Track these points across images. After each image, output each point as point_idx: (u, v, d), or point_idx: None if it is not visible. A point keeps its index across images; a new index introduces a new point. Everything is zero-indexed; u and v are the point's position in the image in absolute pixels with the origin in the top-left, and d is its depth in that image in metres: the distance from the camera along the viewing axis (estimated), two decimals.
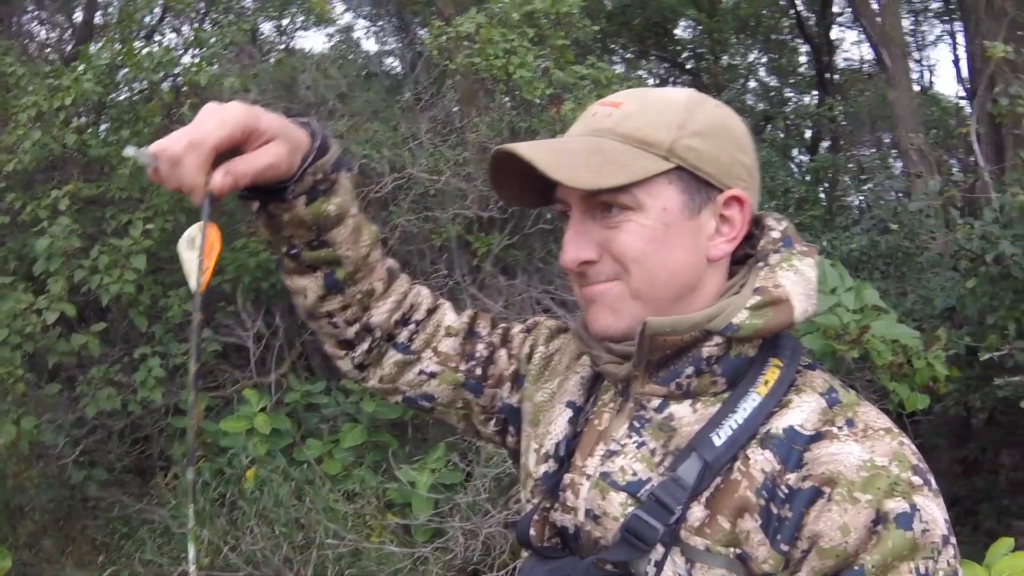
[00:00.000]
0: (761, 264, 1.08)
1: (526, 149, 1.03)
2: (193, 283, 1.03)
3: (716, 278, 1.10)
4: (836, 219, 8.17)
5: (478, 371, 1.33)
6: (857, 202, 9.96)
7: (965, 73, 11.16)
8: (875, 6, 8.99)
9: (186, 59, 6.05)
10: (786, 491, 0.96)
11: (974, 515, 6.16)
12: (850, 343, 3.28)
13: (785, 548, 0.95)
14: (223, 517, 4.89)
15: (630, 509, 1.03)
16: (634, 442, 1.08)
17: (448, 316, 1.37)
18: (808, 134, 14.34)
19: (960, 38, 12.54)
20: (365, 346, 1.31)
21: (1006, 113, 4.77)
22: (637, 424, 1.09)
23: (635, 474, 1.05)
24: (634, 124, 1.05)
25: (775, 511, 0.96)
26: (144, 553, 4.95)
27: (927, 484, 0.94)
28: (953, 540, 0.93)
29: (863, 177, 9.83)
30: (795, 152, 13.55)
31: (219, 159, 1.01)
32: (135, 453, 5.99)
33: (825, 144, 13.66)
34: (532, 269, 5.90)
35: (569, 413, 1.20)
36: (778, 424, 1.00)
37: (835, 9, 13.26)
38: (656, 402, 1.08)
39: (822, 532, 0.92)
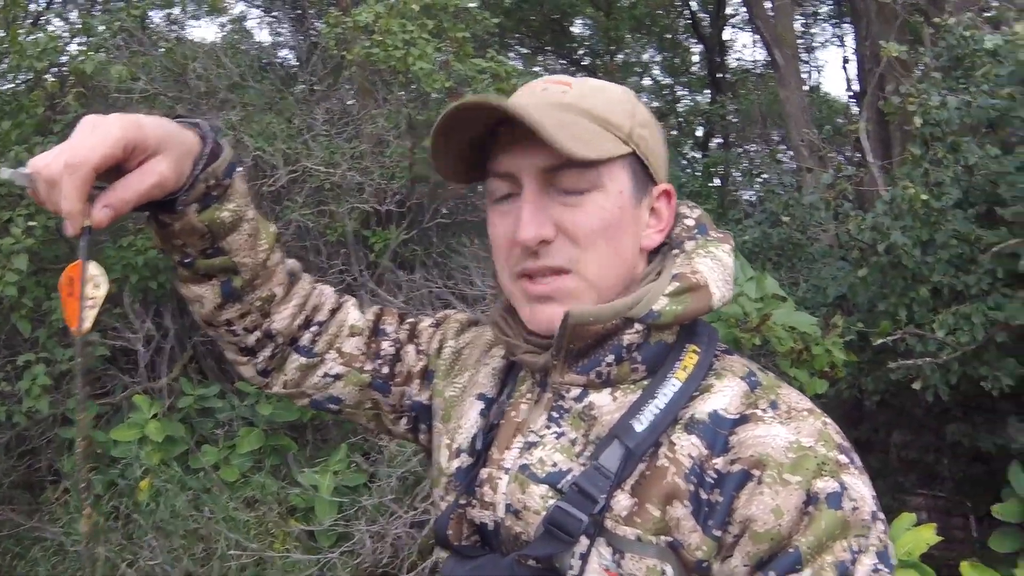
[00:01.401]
0: (676, 251, 1.08)
1: (520, 108, 0.95)
2: (74, 325, 0.94)
3: (642, 268, 1.10)
4: (728, 213, 8.35)
5: (384, 370, 1.29)
6: (748, 197, 10.23)
7: (854, 74, 11.57)
8: (769, 8, 9.23)
9: (72, 48, 5.76)
10: (714, 476, 0.94)
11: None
12: (752, 331, 3.31)
13: (717, 533, 0.93)
14: (118, 532, 4.64)
15: (551, 501, 0.99)
16: (553, 433, 1.05)
17: (352, 315, 1.31)
18: (700, 132, 14.67)
19: (849, 40, 13.02)
20: (267, 352, 1.26)
21: (896, 111, 4.90)
22: (556, 414, 1.06)
23: (555, 465, 1.02)
24: (594, 103, 1.04)
25: (704, 496, 0.94)
26: (38, 573, 4.66)
27: (852, 462, 0.94)
28: (881, 515, 0.93)
29: (755, 172, 10.08)
30: (687, 149, 13.86)
31: (101, 175, 0.94)
32: (22, 467, 5.58)
33: (717, 141, 14.00)
34: (431, 264, 5.79)
35: (480, 406, 1.17)
36: (702, 408, 0.99)
37: (728, 11, 13.60)
38: (575, 392, 1.05)
39: (755, 516, 0.91)
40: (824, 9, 14.41)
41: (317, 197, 5.73)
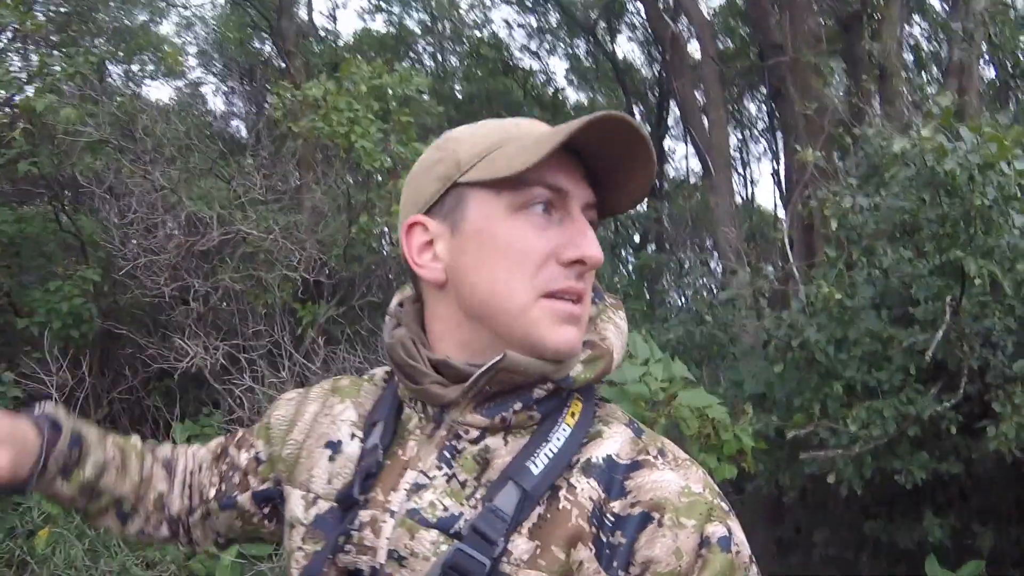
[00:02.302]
0: None
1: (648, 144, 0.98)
2: None
3: None
4: (656, 311, 8.51)
5: (223, 487, 1.25)
6: (677, 297, 10.44)
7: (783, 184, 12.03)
8: (705, 121, 9.64)
9: (30, 89, 5.75)
10: (612, 519, 0.94)
11: None
12: (659, 411, 3.35)
13: (621, 575, 0.93)
14: None
15: (443, 547, 0.95)
16: (444, 474, 1.00)
17: (199, 454, 1.33)
18: (637, 237, 15.03)
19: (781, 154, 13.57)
20: (182, 530, 1.30)
21: (813, 215, 5.10)
22: (448, 455, 1.01)
23: (446, 509, 0.97)
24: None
25: (605, 538, 0.93)
26: None
27: (731, 510, 0.98)
28: (753, 558, 0.96)
29: (683, 274, 10.34)
30: (624, 252, 14.17)
31: None
32: None
33: (651, 248, 14.35)
34: (357, 340, 5.74)
35: (329, 452, 1.10)
36: (596, 453, 0.98)
37: (670, 122, 14.15)
38: (474, 433, 1.01)
39: (657, 557, 0.91)
40: (761, 125, 15.06)
41: (250, 263, 5.69)
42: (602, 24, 14.15)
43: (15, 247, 6.30)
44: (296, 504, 1.10)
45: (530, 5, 14.22)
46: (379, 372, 1.19)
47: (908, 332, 4.61)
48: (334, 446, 1.10)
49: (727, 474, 3.68)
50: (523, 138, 0.98)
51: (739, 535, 0.95)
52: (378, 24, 14.01)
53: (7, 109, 5.85)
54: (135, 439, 1.30)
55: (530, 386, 0.99)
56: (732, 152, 15.46)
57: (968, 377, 4.50)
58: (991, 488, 5.31)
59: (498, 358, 0.96)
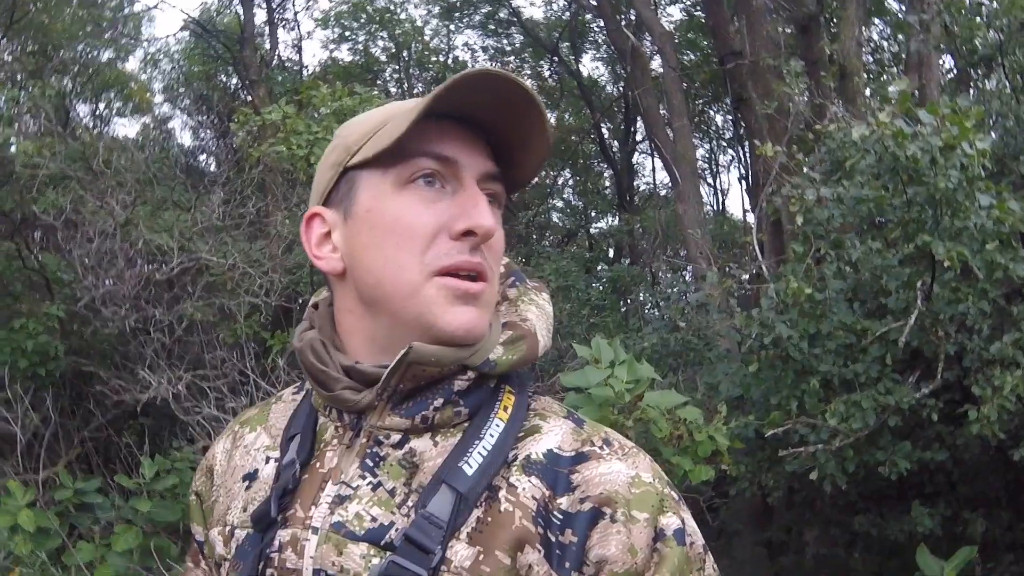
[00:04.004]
0: (498, 300, 1.00)
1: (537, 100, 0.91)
2: None
3: None
4: (629, 322, 8.44)
5: None
6: (651, 308, 10.38)
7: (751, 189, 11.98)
8: (670, 132, 9.57)
9: None
10: (560, 516, 0.88)
11: None
12: (625, 413, 3.19)
13: (574, 575, 0.87)
14: None
15: (375, 560, 0.87)
16: (368, 483, 0.92)
17: None
18: (612, 252, 14.97)
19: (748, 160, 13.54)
20: None
21: (778, 212, 4.99)
22: (370, 463, 0.93)
23: (374, 520, 0.89)
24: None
25: (554, 538, 0.87)
26: None
27: (680, 498, 0.94)
28: (707, 547, 0.93)
29: (654, 283, 10.28)
30: (600, 267, 14.09)
31: None
32: None
33: (626, 260, 14.28)
34: None
35: (245, 484, 1.01)
36: (536, 449, 0.92)
37: (638, 137, 14.10)
38: (396, 437, 0.93)
39: (611, 556, 0.86)
40: (728, 135, 15.07)
41: (212, 291, 5.53)
42: (565, 44, 14.13)
43: None
44: (216, 541, 1.02)
45: (493, 28, 14.20)
46: (287, 391, 1.12)
47: (883, 323, 4.47)
48: (251, 476, 1.02)
49: (703, 476, 3.52)
50: (408, 112, 0.90)
51: (691, 524, 0.91)
52: (343, 53, 13.95)
53: None
54: None
55: (449, 378, 0.92)
56: (701, 163, 15.50)
57: (945, 363, 4.35)
58: (978, 474, 5.19)
59: (403, 352, 0.88)
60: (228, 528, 1.00)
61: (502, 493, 0.89)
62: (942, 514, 4.88)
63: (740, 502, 6.29)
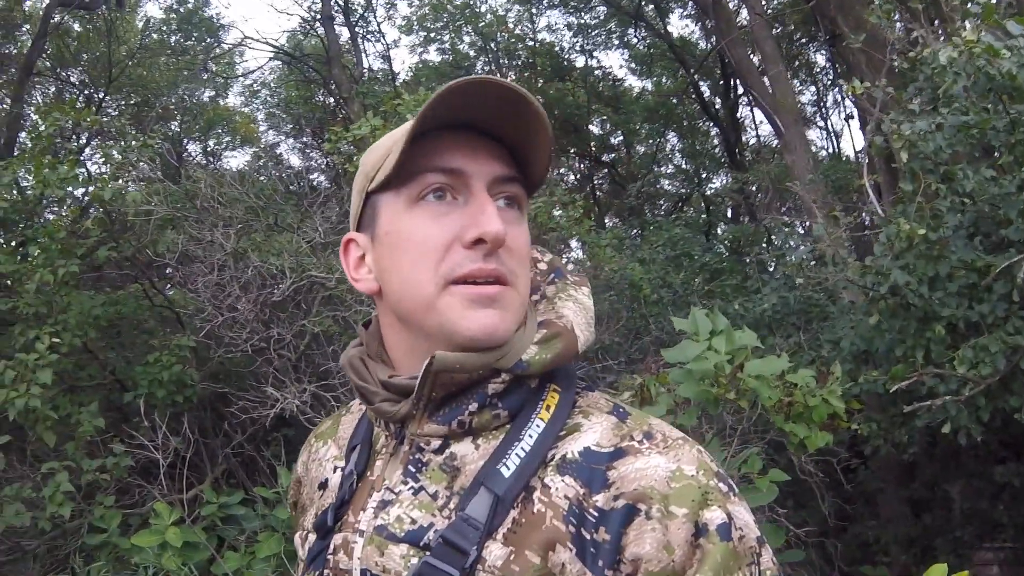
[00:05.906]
0: (536, 297, 1.01)
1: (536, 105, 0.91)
2: None
3: None
4: (747, 283, 8.08)
5: None
6: (770, 267, 9.95)
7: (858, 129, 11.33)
8: (766, 81, 9.14)
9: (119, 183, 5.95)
10: (595, 514, 0.87)
11: (932, 552, 5.82)
12: (725, 384, 3.02)
13: (608, 574, 0.85)
14: None
15: (413, 560, 0.90)
16: (410, 488, 0.95)
17: None
18: (729, 212, 14.50)
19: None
20: None
21: (883, 151, 4.65)
22: (413, 469, 0.96)
23: (414, 522, 0.92)
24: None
25: (588, 536, 0.86)
26: None
27: (731, 489, 0.89)
28: (764, 538, 0.88)
29: (772, 240, 9.82)
30: (721, 228, 13.62)
31: None
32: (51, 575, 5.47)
33: (744, 219, 13.75)
34: None
35: (321, 492, 1.09)
36: (572, 447, 0.91)
37: (740, 90, 13.53)
38: (436, 443, 0.95)
39: (646, 555, 0.84)
40: (832, 75, 14.29)
41: (329, 306, 5.68)
42: (650, 6, 13.71)
43: (115, 328, 6.51)
44: (298, 545, 1.09)
45: (575, 5, 13.93)
46: (355, 402, 1.16)
47: (1005, 256, 4.09)
48: (323, 485, 1.09)
49: (820, 442, 3.31)
50: (405, 134, 0.92)
51: (742, 518, 0.87)
52: (432, 55, 14.02)
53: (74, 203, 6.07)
54: None
55: (482, 382, 0.93)
56: (809, 107, 14.75)
57: None
58: None
59: (427, 362, 0.90)
60: (305, 533, 1.07)
61: (536, 494, 0.89)
62: None
63: (877, 461, 5.93)
